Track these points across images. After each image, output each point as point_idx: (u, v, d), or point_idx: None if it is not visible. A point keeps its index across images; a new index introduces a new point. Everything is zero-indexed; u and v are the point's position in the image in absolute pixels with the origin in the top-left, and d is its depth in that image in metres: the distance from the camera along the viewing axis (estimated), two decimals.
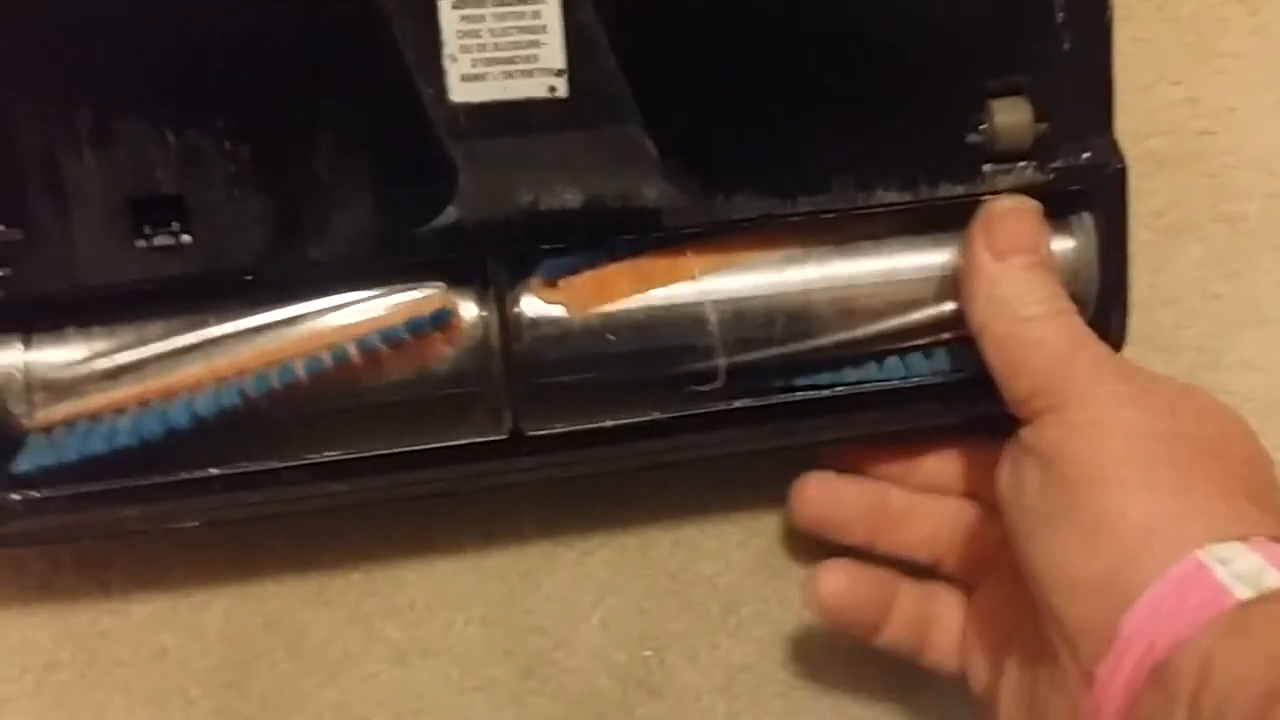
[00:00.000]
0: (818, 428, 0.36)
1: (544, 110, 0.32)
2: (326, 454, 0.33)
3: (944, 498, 0.38)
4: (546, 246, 0.33)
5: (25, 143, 0.31)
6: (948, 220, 0.35)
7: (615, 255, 0.34)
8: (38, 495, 0.32)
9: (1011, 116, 0.34)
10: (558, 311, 0.34)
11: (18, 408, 0.32)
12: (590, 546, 0.40)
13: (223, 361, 0.32)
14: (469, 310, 0.34)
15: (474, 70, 0.31)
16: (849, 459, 0.38)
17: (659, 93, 0.32)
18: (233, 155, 0.31)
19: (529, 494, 0.39)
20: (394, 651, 0.40)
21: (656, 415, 0.35)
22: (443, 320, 0.33)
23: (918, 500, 0.38)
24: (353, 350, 0.32)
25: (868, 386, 0.36)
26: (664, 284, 0.34)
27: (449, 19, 0.31)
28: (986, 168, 0.35)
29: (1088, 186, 0.35)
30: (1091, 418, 0.31)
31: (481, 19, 0.31)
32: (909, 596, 0.38)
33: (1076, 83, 0.35)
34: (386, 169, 0.32)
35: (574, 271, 0.33)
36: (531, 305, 0.34)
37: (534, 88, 0.32)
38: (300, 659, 0.39)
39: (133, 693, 0.39)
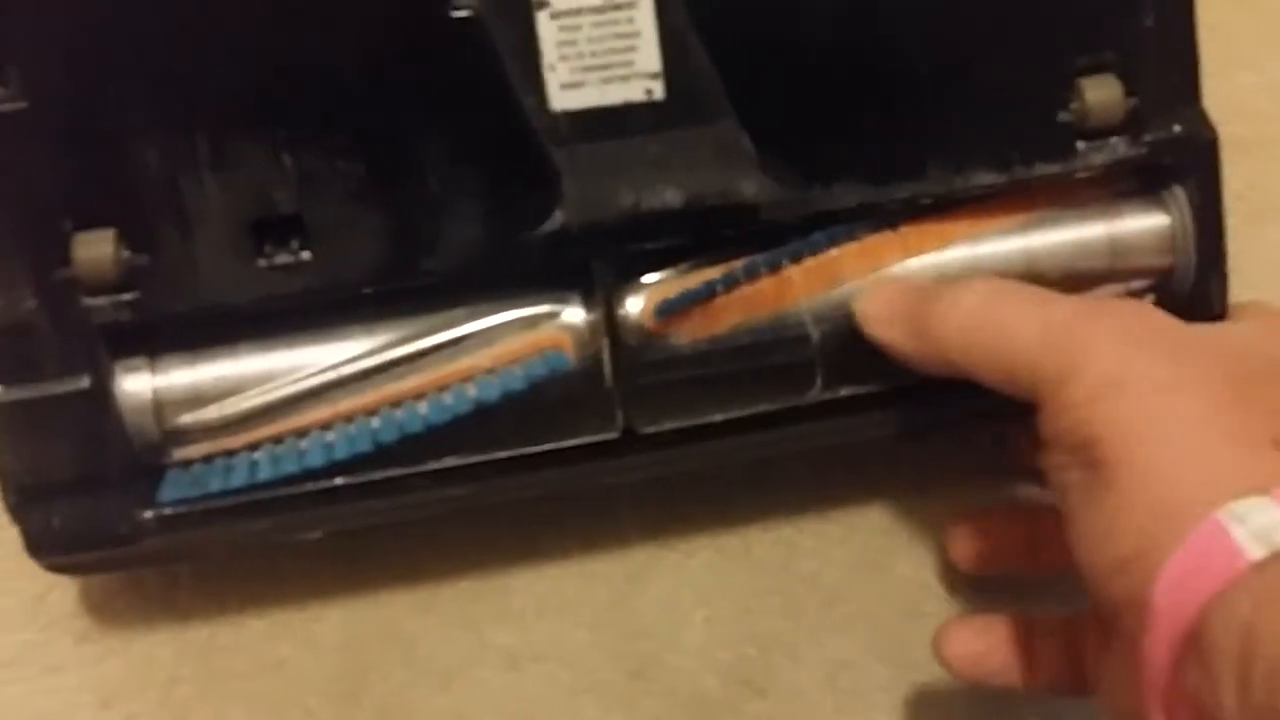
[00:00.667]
0: (925, 414, 0.36)
1: (642, 113, 0.33)
2: (447, 460, 0.35)
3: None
4: (651, 246, 0.34)
5: (149, 171, 0.32)
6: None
7: (720, 265, 0.35)
8: (170, 513, 0.34)
9: (1102, 93, 0.35)
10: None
11: (148, 430, 0.34)
12: (692, 548, 0.41)
13: (349, 404, 0.34)
14: (575, 314, 0.35)
15: (573, 78, 0.33)
16: (976, 548, 0.38)
17: (753, 89, 0.33)
18: (347, 173, 0.32)
19: (630, 499, 0.40)
20: (504, 657, 0.41)
21: (765, 407, 0.35)
22: (560, 367, 0.34)
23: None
24: (472, 393, 0.34)
25: None
26: (771, 311, 0.35)
27: (547, 29, 0.32)
28: (1080, 145, 0.35)
29: (1180, 158, 0.36)
30: (1095, 389, 0.29)
31: (578, 28, 0.32)
32: (1047, 633, 0.36)
33: (1163, 57, 0.35)
34: (493, 179, 0.33)
35: (686, 309, 0.34)
36: (638, 306, 0.35)
37: (631, 91, 0.33)
38: (413, 667, 0.40)
39: (252, 705, 0.40)
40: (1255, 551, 0.26)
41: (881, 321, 0.34)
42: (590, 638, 0.41)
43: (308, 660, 0.40)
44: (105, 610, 0.40)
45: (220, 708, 0.40)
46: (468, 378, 0.35)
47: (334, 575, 0.40)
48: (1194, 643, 0.27)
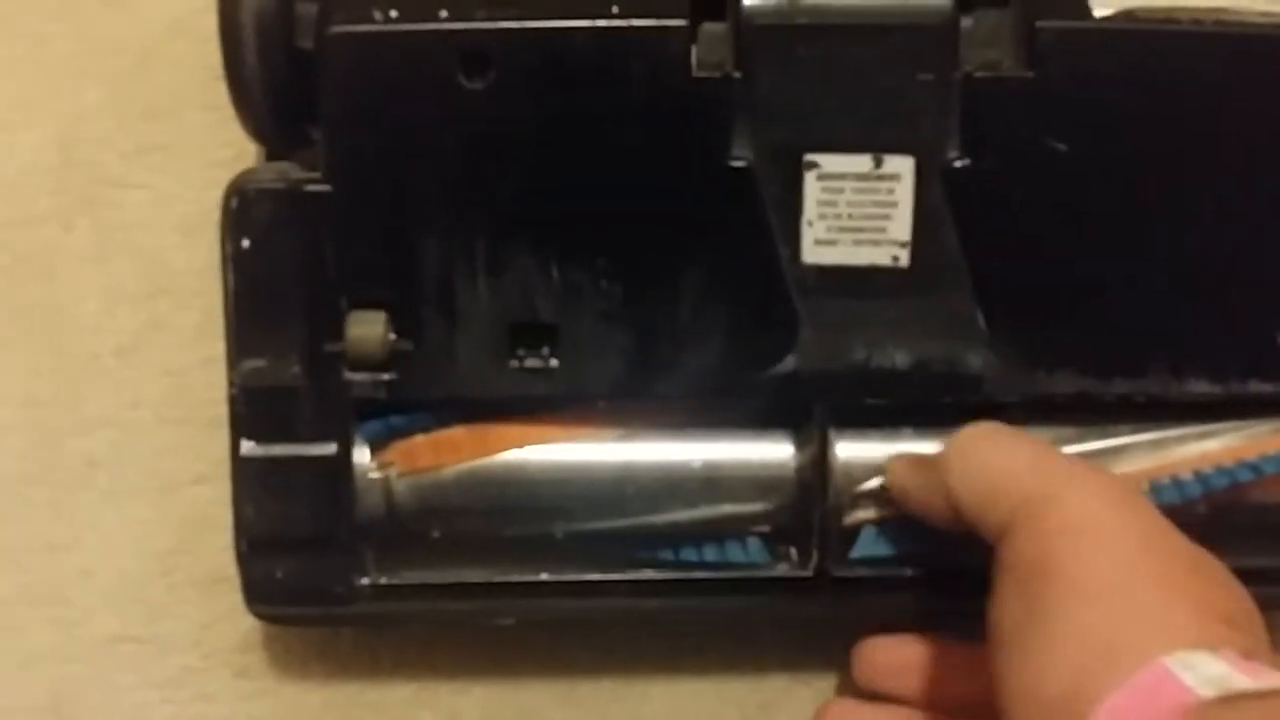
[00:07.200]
0: None
1: (885, 277, 0.38)
2: (645, 572, 0.39)
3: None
4: (872, 401, 0.39)
5: (429, 265, 0.37)
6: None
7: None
8: (385, 582, 0.39)
9: None
10: (870, 460, 0.40)
11: (377, 502, 0.39)
12: (828, 686, 0.45)
13: None
14: (785, 451, 0.40)
15: (827, 235, 0.38)
16: (873, 681, 0.40)
17: (993, 270, 0.38)
18: (606, 292, 0.38)
19: (773, 628, 0.44)
20: None
21: (955, 565, 0.39)
22: None
23: None
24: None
25: None
26: None
27: (812, 189, 0.37)
28: None
29: None
30: (1069, 522, 0.32)
31: (841, 191, 0.38)
32: None
33: None
34: (738, 316, 0.38)
35: None
36: (846, 451, 0.40)
37: (879, 256, 0.38)
38: None
39: None
40: (1208, 692, 0.27)
41: (906, 492, 0.38)
42: None
43: None
44: (266, 649, 0.44)
45: None
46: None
47: (483, 653, 0.44)
48: None
